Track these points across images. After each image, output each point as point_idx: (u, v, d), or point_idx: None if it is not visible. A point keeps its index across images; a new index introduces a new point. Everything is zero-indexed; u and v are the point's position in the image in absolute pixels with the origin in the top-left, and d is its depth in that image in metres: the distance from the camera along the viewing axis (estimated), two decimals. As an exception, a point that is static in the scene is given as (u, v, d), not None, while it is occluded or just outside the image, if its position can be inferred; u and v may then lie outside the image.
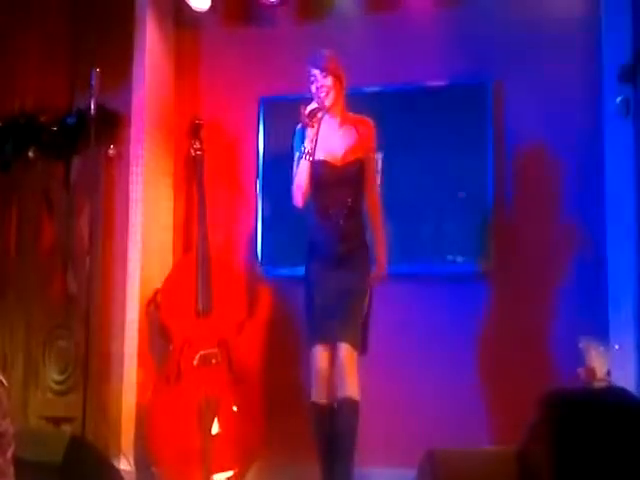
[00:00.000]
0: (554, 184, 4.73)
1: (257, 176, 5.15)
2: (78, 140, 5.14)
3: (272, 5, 5.13)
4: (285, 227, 4.95)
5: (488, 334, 4.70)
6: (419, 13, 4.94)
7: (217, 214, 5.10)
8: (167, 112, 5.34)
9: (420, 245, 4.84)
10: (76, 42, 5.27)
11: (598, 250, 4.49)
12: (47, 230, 5.26)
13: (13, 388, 4.87)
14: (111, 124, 5.09)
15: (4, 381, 4.95)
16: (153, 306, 5.07)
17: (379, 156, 4.64)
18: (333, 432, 4.03)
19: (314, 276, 4.13)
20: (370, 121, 4.25)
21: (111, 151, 5.11)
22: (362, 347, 4.11)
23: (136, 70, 5.17)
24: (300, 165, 4.13)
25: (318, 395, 4.04)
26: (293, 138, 4.23)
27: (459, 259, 4.78)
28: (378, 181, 4.49)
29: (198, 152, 5.16)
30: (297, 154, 4.17)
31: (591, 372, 4.20)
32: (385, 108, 4.76)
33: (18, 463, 3.32)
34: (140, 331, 5.03)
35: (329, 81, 4.12)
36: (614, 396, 2.70)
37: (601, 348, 4.22)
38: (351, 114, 4.25)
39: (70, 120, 5.15)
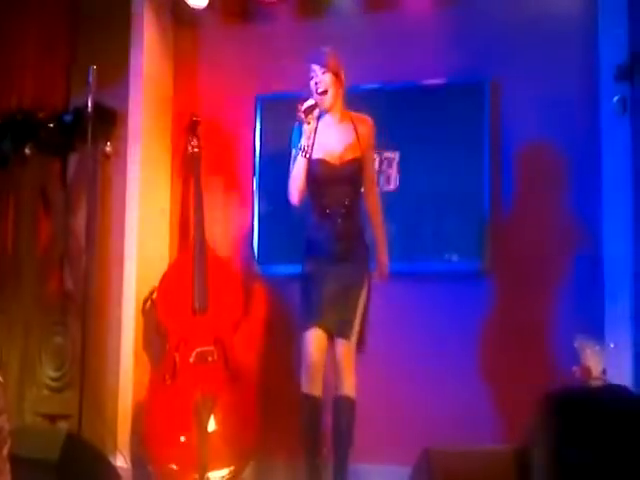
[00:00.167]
0: (551, 183, 4.74)
1: (254, 174, 5.15)
2: (75, 137, 5.14)
3: (271, 3, 5.13)
4: (282, 225, 4.95)
5: (484, 333, 4.70)
6: (416, 11, 4.94)
7: (214, 212, 5.11)
8: (164, 109, 5.34)
9: (417, 243, 4.84)
10: (73, 39, 5.27)
11: (594, 249, 4.49)
12: (44, 227, 5.26)
13: (9, 385, 4.88)
14: (108, 121, 5.09)
15: (0, 378, 4.96)
16: (149, 303, 5.08)
17: (396, 155, 4.67)
18: (323, 428, 4.03)
19: (311, 273, 4.13)
20: (369, 119, 4.25)
21: (108, 148, 5.11)
22: (360, 344, 4.11)
23: (133, 67, 5.17)
24: (297, 162, 4.13)
25: (310, 386, 4.01)
26: (291, 136, 4.23)
27: (455, 258, 4.78)
28: (376, 180, 4.51)
29: (195, 149, 5.16)
30: (294, 151, 4.17)
31: (586, 371, 4.20)
32: (382, 106, 4.75)
33: (14, 460, 3.32)
34: (136, 328, 5.04)
35: (328, 78, 4.13)
36: (614, 394, 2.70)
37: (597, 347, 4.21)
38: (350, 112, 4.25)
39: (67, 117, 5.15)
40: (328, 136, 4.17)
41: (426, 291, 4.82)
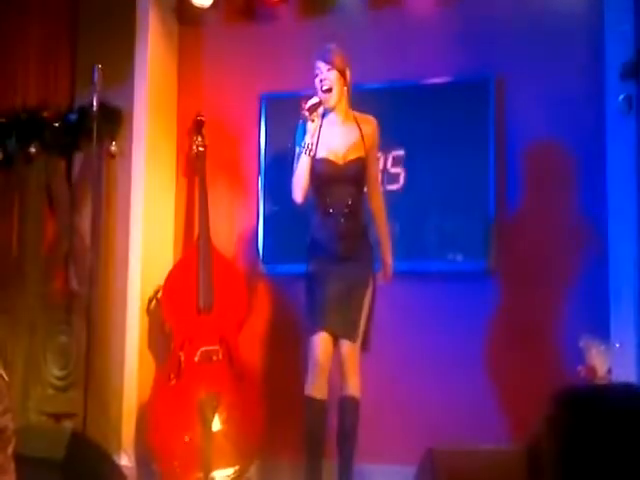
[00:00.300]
0: (556, 181, 4.74)
1: (259, 173, 5.16)
2: (80, 136, 5.14)
3: (274, 2, 5.14)
4: (287, 224, 4.96)
5: (489, 333, 4.70)
6: (421, 9, 4.94)
7: (219, 211, 5.12)
8: (169, 108, 5.35)
9: (421, 243, 4.85)
10: (78, 38, 5.28)
11: (600, 248, 4.49)
12: (49, 226, 5.27)
13: (14, 384, 4.88)
14: (113, 120, 5.09)
15: (5, 376, 4.98)
16: (154, 302, 5.09)
17: (402, 153, 4.72)
18: (326, 431, 4.03)
19: (316, 273, 4.13)
20: (373, 119, 4.25)
21: (113, 147, 5.11)
22: (365, 344, 4.12)
23: (138, 66, 5.18)
24: (300, 160, 4.13)
25: (315, 389, 4.01)
26: (295, 134, 4.23)
27: (460, 257, 4.78)
28: (379, 177, 4.51)
29: (200, 149, 5.18)
30: (298, 149, 4.17)
31: (592, 370, 4.21)
32: (387, 105, 4.76)
33: (19, 459, 3.34)
34: (141, 327, 5.05)
35: (333, 75, 4.13)
36: (624, 392, 2.69)
37: (602, 346, 4.22)
38: (354, 112, 4.25)
39: (72, 116, 5.16)
40: (332, 135, 4.17)
41: (431, 291, 4.82)
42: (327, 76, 4.12)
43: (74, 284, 5.14)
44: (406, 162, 4.88)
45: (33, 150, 5.22)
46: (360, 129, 4.20)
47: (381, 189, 4.41)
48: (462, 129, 4.80)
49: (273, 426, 4.74)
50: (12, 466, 3.06)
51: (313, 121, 4.10)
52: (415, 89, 4.94)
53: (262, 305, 5.09)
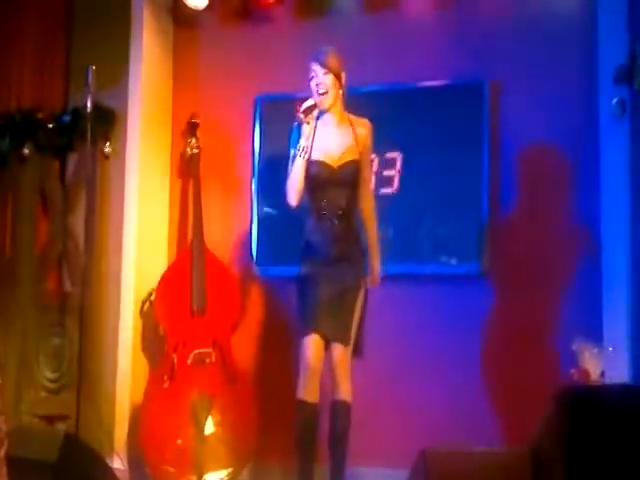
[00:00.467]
0: (550, 184, 4.75)
1: (253, 175, 5.18)
2: (74, 137, 5.17)
3: (270, 4, 5.16)
4: (281, 227, 4.98)
5: (483, 335, 4.72)
6: (416, 13, 4.96)
7: (213, 213, 5.13)
8: (164, 110, 5.37)
9: (416, 246, 4.87)
10: (72, 39, 5.30)
11: (593, 251, 4.50)
12: (42, 227, 5.28)
13: (6, 386, 4.90)
14: (107, 122, 5.11)
15: (-2, 379, 4.98)
16: (148, 305, 5.11)
17: (398, 156, 4.73)
18: (318, 434, 4.05)
19: (308, 275, 4.14)
20: (368, 123, 4.27)
21: (107, 149, 5.13)
22: (357, 349, 4.13)
23: (133, 68, 5.20)
24: (295, 163, 4.15)
25: (307, 393, 4.02)
26: (290, 137, 4.25)
27: (454, 260, 4.81)
28: (372, 183, 4.54)
29: (194, 150, 5.19)
30: (293, 152, 4.18)
31: (585, 373, 4.23)
32: (382, 108, 4.77)
33: (12, 461, 3.36)
34: (134, 330, 5.07)
35: (329, 79, 4.14)
36: (624, 392, 2.71)
37: (595, 350, 4.24)
38: (349, 115, 4.28)
39: (66, 117, 5.18)
40: (327, 138, 4.18)
41: (425, 294, 4.83)
42: (323, 80, 4.14)
43: (67, 285, 5.15)
44: (400, 165, 4.90)
45: (27, 151, 5.24)
46: (354, 132, 4.22)
47: (372, 192, 4.42)
48: (457, 132, 4.82)
49: (265, 429, 4.76)
50: (4, 469, 3.09)
51: (308, 124, 4.12)
52: (410, 92, 4.94)
53: (256, 307, 5.11)
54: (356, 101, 4.38)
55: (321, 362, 4.05)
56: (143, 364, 5.09)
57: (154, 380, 4.91)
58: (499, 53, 4.84)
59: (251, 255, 5.15)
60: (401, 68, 4.96)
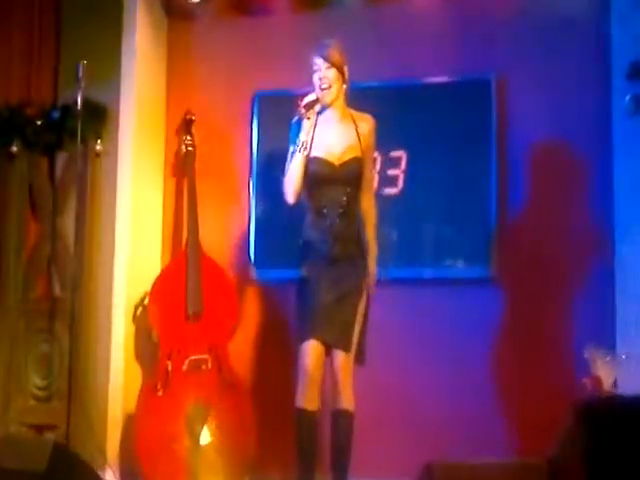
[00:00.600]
0: (560, 185, 4.77)
1: (250, 174, 5.18)
2: (64, 134, 5.15)
3: (268, -6, 5.18)
4: (279, 228, 4.98)
5: (491, 341, 4.73)
6: (422, 6, 4.97)
7: (209, 214, 5.13)
8: (157, 106, 5.37)
9: (421, 249, 4.87)
10: (62, 32, 5.29)
11: (606, 255, 4.52)
12: (31, 228, 5.27)
13: (-5, 394, 4.91)
14: (98, 118, 5.11)
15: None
16: (141, 309, 5.10)
17: (403, 155, 4.78)
18: (318, 443, 4.05)
19: (308, 277, 4.13)
20: (371, 118, 4.27)
21: (98, 146, 5.13)
22: (359, 356, 4.12)
23: (125, 62, 5.20)
24: (294, 159, 4.14)
25: (306, 401, 4.01)
26: (289, 132, 4.24)
27: (460, 264, 4.80)
28: (375, 182, 4.53)
29: (189, 148, 5.21)
30: (292, 147, 4.17)
31: (597, 382, 4.22)
32: (386, 105, 4.78)
33: (2, 472, 3.35)
34: (127, 335, 5.05)
35: (331, 73, 4.15)
36: None
37: (608, 357, 4.24)
38: (351, 111, 4.27)
39: (55, 114, 5.17)
40: (329, 134, 4.18)
41: (430, 298, 4.84)
42: (326, 74, 4.14)
43: (57, 290, 5.14)
44: (405, 164, 4.91)
45: (15, 148, 5.24)
46: (357, 128, 4.21)
47: (373, 191, 4.42)
48: (463, 130, 4.85)
49: (264, 438, 4.76)
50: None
51: (309, 119, 4.12)
52: (415, 88, 4.98)
53: (253, 312, 5.12)
54: (359, 97, 4.37)
55: (321, 369, 4.05)
56: (136, 371, 5.08)
57: (147, 388, 4.89)
58: (507, 48, 4.87)
59: (249, 257, 5.15)
60: (405, 63, 4.98)
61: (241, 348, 5.02)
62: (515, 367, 4.66)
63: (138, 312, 5.11)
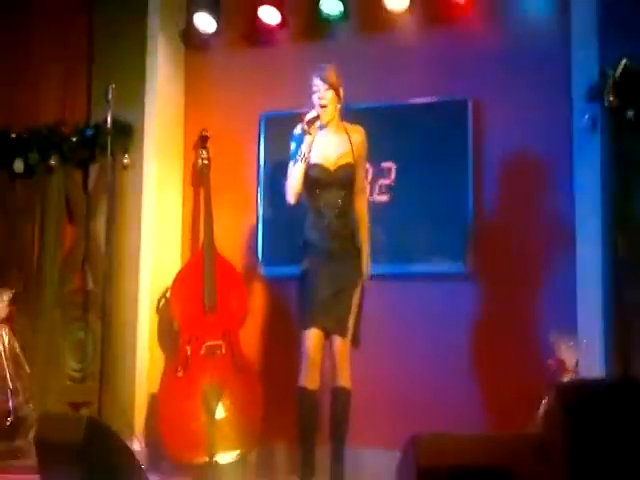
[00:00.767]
0: (528, 192, 4.74)
1: (258, 183, 5.19)
2: (95, 150, 5.19)
3: (273, 28, 5.17)
4: (283, 230, 4.97)
5: (468, 329, 4.72)
6: (407, 38, 4.97)
7: (222, 218, 5.11)
8: (177, 125, 5.38)
9: (407, 248, 4.86)
10: (93, 61, 5.31)
11: (568, 252, 4.49)
12: (67, 231, 5.29)
13: (36, 376, 4.91)
14: (126, 135, 5.13)
15: (27, 369, 5.01)
16: (163, 302, 5.11)
17: (392, 166, 4.77)
18: (319, 419, 4.05)
19: (308, 272, 4.13)
20: (361, 129, 4.28)
21: (126, 160, 5.14)
22: (355, 340, 4.13)
23: (149, 86, 5.22)
24: (296, 167, 4.15)
25: (307, 381, 4.01)
26: (291, 141, 4.25)
27: (441, 261, 4.79)
28: (367, 186, 4.53)
29: (205, 161, 5.20)
30: (294, 156, 4.18)
31: (561, 364, 4.24)
32: (376, 123, 4.74)
33: (42, 444, 3.36)
34: (151, 324, 5.07)
35: (329, 94, 4.17)
36: (627, 388, 2.68)
37: (570, 342, 4.25)
38: (345, 123, 4.28)
39: (88, 132, 5.20)
40: (325, 144, 4.20)
41: (416, 291, 4.82)
42: (324, 95, 4.16)
43: (90, 284, 5.15)
44: (394, 174, 4.91)
45: (53, 162, 5.26)
46: (350, 138, 4.23)
47: (366, 196, 4.42)
48: (444, 144, 4.82)
49: (270, 414, 4.74)
50: (32, 450, 3.08)
51: (311, 134, 4.14)
52: (402, 108, 4.93)
53: (261, 304, 5.10)
54: (353, 116, 4.39)
55: (320, 353, 4.05)
56: (159, 355, 5.09)
57: (169, 370, 4.90)
58: (482, 72, 4.84)
59: (257, 256, 5.15)
60: (393, 87, 4.95)
61: (251, 335, 5.01)
62: (489, 352, 4.64)
63: (161, 304, 5.12)
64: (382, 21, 4.98)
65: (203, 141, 5.23)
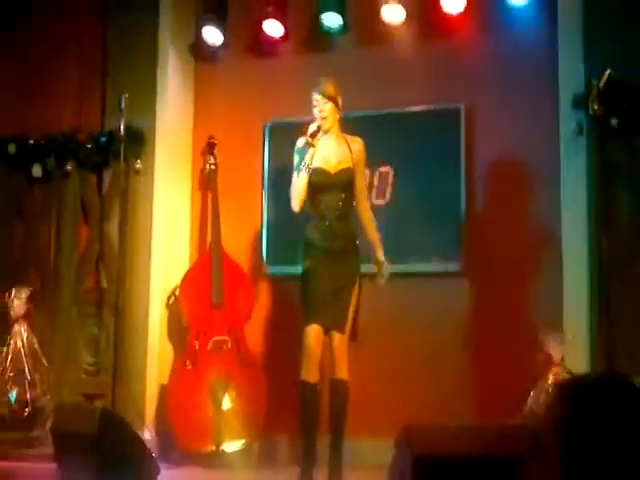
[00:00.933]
0: (517, 195, 4.76)
1: (262, 187, 5.20)
2: (109, 156, 5.19)
3: (277, 41, 5.18)
4: (286, 231, 4.96)
5: (460, 324, 4.73)
6: (403, 50, 4.98)
7: (228, 220, 5.13)
8: (186, 132, 5.39)
9: (403, 248, 4.87)
10: (107, 73, 5.31)
11: (555, 252, 4.52)
12: (82, 233, 5.29)
13: (53, 369, 4.92)
14: (138, 142, 5.12)
15: (45, 363, 5.02)
16: (173, 299, 5.12)
17: (389, 170, 4.79)
18: (320, 410, 4.05)
19: (310, 269, 4.12)
20: (360, 140, 4.27)
21: (138, 165, 5.14)
22: (353, 335, 4.13)
23: (159, 96, 5.22)
24: (300, 176, 4.16)
25: (308, 374, 4.01)
26: (294, 150, 4.24)
27: (435, 261, 4.81)
28: (366, 190, 4.54)
29: (212, 167, 5.21)
30: (296, 161, 4.18)
31: (548, 357, 4.24)
32: (374, 129, 4.79)
33: (59, 434, 3.37)
34: (161, 320, 5.08)
35: (328, 107, 4.16)
36: (616, 384, 2.68)
37: (557, 337, 4.25)
38: (345, 135, 4.29)
39: (102, 138, 5.20)
40: (325, 150, 4.19)
41: (411, 289, 4.82)
42: (323, 108, 4.16)
43: (104, 282, 5.16)
44: (391, 178, 4.92)
45: (69, 168, 5.27)
46: (349, 147, 4.23)
47: (368, 202, 4.42)
48: (437, 150, 4.84)
49: (274, 406, 4.75)
50: (49, 439, 3.09)
51: (314, 146, 4.14)
52: (398, 116, 4.96)
53: (266, 301, 5.11)
54: (352, 124, 4.39)
55: (321, 348, 4.05)
56: (169, 350, 5.10)
57: (178, 364, 4.91)
58: (474, 82, 4.86)
59: (261, 256, 5.16)
60: (390, 95, 4.97)
61: (256, 331, 5.02)
62: (480, 346, 4.66)
63: (170, 301, 5.12)
64: (380, 34, 5.00)
65: (211, 148, 5.24)
